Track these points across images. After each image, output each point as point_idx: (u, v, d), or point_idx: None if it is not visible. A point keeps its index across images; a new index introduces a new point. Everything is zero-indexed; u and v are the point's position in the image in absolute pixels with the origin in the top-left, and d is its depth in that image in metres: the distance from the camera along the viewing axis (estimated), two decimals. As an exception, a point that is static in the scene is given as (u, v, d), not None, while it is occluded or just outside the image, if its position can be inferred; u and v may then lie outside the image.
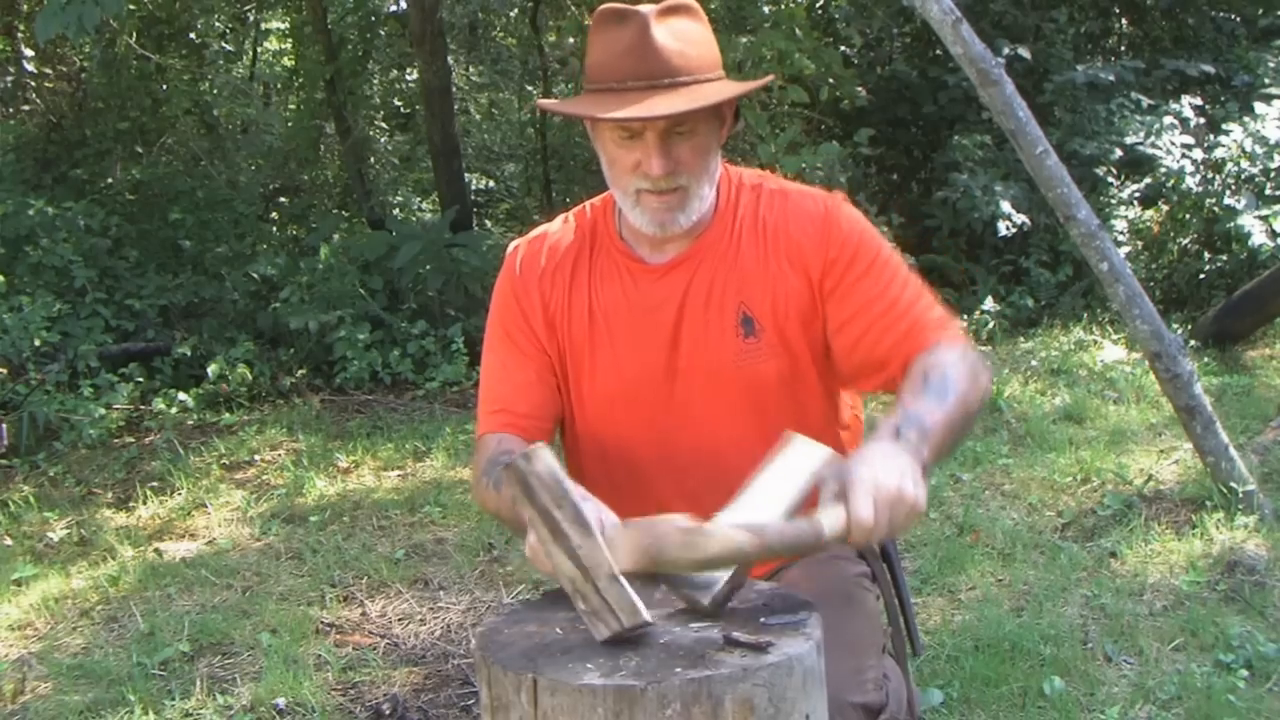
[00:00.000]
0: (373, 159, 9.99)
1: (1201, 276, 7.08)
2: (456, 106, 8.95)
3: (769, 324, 1.77)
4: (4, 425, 5.45)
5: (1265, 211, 6.73)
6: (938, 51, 7.81)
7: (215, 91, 9.55)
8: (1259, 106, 7.16)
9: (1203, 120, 7.53)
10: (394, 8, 9.97)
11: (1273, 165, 6.92)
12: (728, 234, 1.80)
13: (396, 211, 9.64)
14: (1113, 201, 7.42)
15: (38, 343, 5.75)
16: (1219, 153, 7.06)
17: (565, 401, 1.87)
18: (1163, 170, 7.23)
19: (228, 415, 6.00)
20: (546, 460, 1.35)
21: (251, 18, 10.44)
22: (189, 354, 6.39)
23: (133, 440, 5.70)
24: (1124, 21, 9.36)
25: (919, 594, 3.50)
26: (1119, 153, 7.43)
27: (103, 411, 5.69)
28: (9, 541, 4.42)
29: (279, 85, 10.99)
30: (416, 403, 6.23)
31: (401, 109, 10.97)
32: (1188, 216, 7.22)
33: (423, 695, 3.10)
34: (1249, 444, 4.49)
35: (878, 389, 1.84)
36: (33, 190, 6.94)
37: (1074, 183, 3.86)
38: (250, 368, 6.35)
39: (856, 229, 1.79)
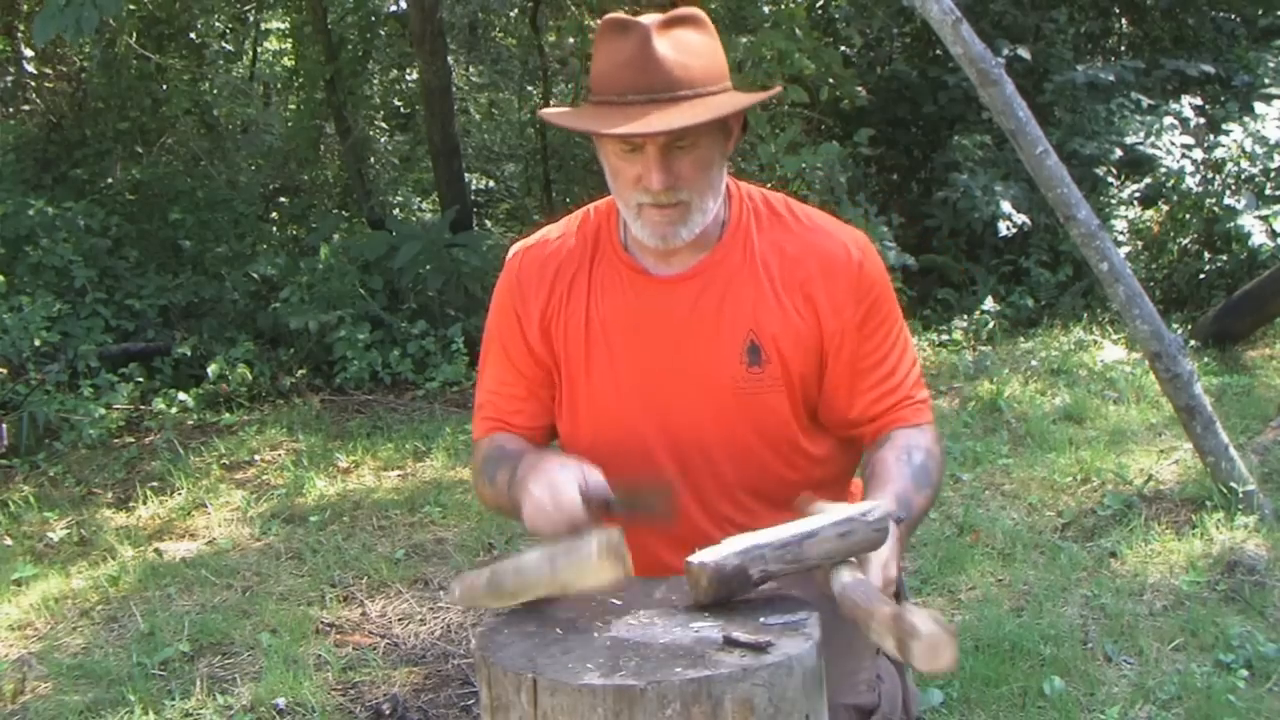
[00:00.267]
0: (373, 159, 9.99)
1: (1201, 276, 7.08)
2: (456, 106, 8.95)
3: (775, 356, 1.75)
4: (4, 425, 5.45)
5: (1265, 211, 6.73)
6: (938, 51, 7.80)
7: (215, 91, 9.55)
8: (1259, 106, 7.16)
9: (1203, 120, 7.54)
10: (394, 8, 9.97)
11: (1273, 165, 6.92)
12: (742, 254, 1.77)
13: (396, 211, 9.65)
14: (1113, 201, 7.42)
15: (38, 343, 5.75)
16: (1219, 153, 7.06)
17: (560, 408, 1.86)
18: (1163, 170, 7.24)
19: (228, 415, 6.00)
20: (467, 585, 1.56)
21: (251, 18, 10.44)
22: (189, 354, 6.39)
23: (133, 440, 5.70)
24: (1124, 21, 9.36)
25: (919, 594, 3.50)
26: (1119, 153, 7.44)
27: (103, 411, 5.69)
28: (9, 541, 4.42)
29: (279, 85, 11.00)
30: (416, 403, 6.23)
31: (401, 109, 10.97)
32: (1188, 216, 7.22)
33: (423, 695, 3.10)
34: (1249, 444, 4.49)
35: (838, 434, 1.86)
36: (33, 190, 6.94)
37: (1074, 183, 3.86)
38: (250, 368, 6.35)
39: (879, 286, 1.79)
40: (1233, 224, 6.76)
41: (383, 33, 9.81)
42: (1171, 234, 7.30)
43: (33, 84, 8.52)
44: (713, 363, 1.76)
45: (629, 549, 1.51)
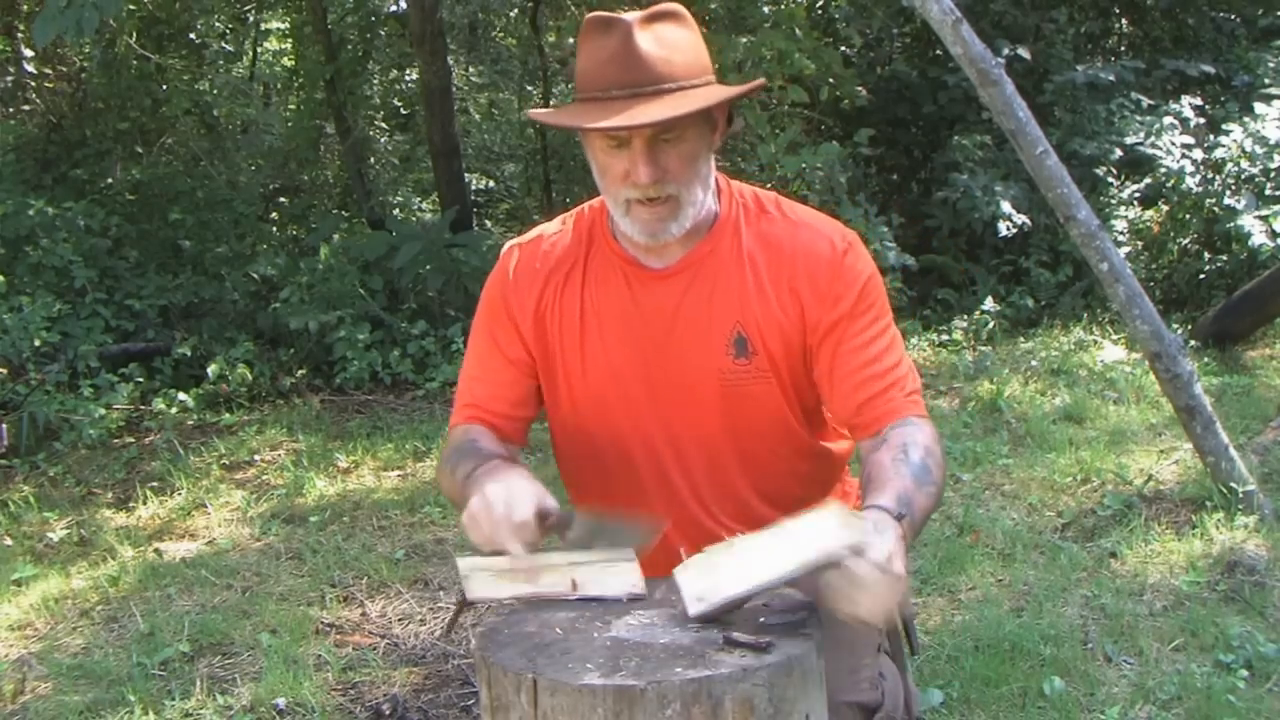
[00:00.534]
0: (373, 159, 9.99)
1: (1201, 276, 7.08)
2: (456, 106, 8.95)
3: (761, 348, 1.76)
4: (4, 425, 5.45)
5: (1265, 211, 6.73)
6: (938, 51, 7.81)
7: (215, 91, 9.55)
8: (1259, 106, 7.16)
9: (1203, 120, 7.54)
10: (394, 8, 9.97)
11: (1273, 165, 6.92)
12: (730, 249, 1.78)
13: (396, 211, 9.65)
14: (1113, 201, 7.42)
15: (38, 343, 5.75)
16: (1219, 153, 7.06)
17: (556, 399, 1.87)
18: (1163, 170, 7.24)
19: (228, 415, 6.00)
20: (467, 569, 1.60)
21: (251, 18, 10.44)
22: (189, 354, 6.39)
23: (133, 440, 5.70)
24: (1124, 21, 9.37)
25: (919, 594, 3.50)
26: (1119, 153, 7.44)
27: (103, 411, 5.69)
28: (9, 541, 4.42)
29: (279, 85, 11.00)
30: (416, 403, 6.23)
31: (401, 109, 10.96)
32: (1188, 216, 7.22)
33: (423, 695, 3.10)
34: (1249, 444, 4.49)
35: (838, 427, 1.87)
36: (33, 190, 6.94)
37: (1074, 183, 3.86)
38: (250, 368, 6.35)
39: (864, 277, 1.77)
40: (1233, 224, 6.76)
41: (383, 33, 9.81)
42: (1171, 234, 7.30)
43: (33, 84, 8.52)
44: (700, 354, 1.78)
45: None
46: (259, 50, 10.94)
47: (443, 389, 6.33)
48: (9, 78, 8.62)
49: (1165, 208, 7.35)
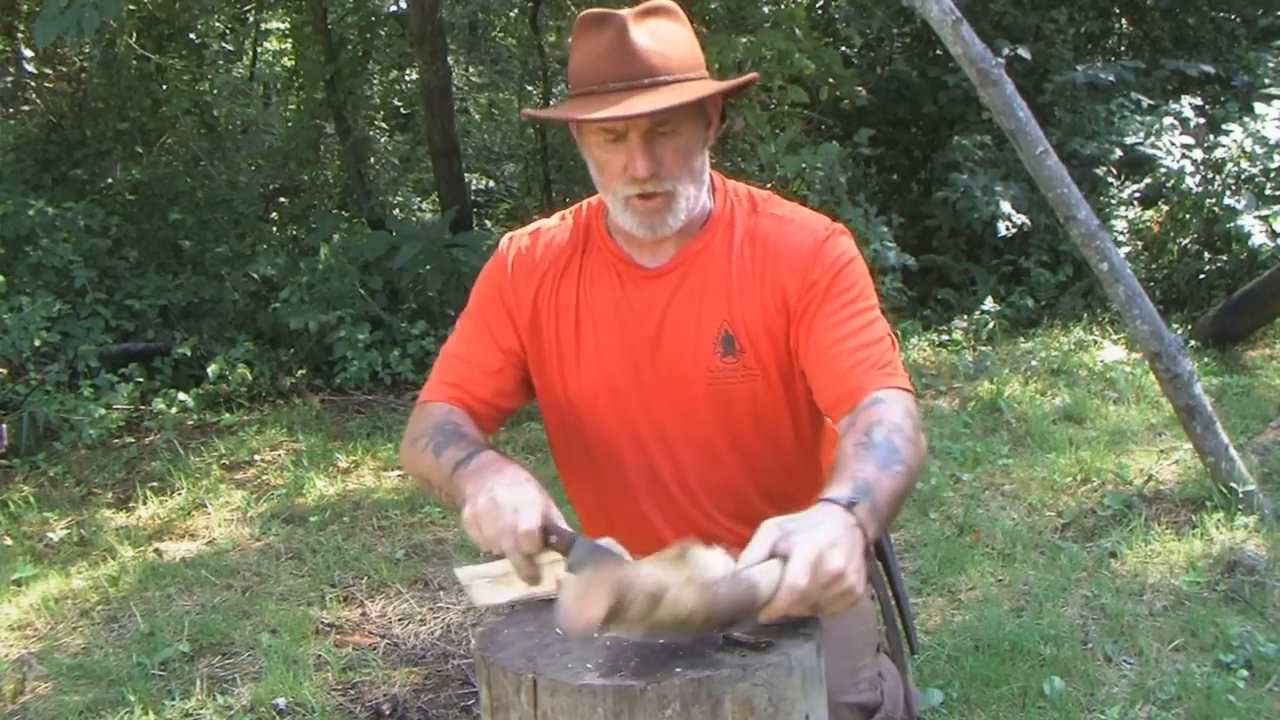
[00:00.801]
0: (373, 159, 9.99)
1: (1201, 276, 7.08)
2: (456, 106, 8.95)
3: (748, 345, 1.76)
4: (4, 425, 5.45)
5: (1265, 211, 6.73)
6: (938, 51, 7.81)
7: (215, 91, 9.55)
8: (1259, 106, 7.16)
9: (1203, 120, 7.54)
10: (394, 8, 9.97)
11: (1273, 165, 6.92)
12: (722, 246, 1.78)
13: (396, 211, 9.64)
14: (1113, 201, 7.42)
15: (38, 343, 5.75)
16: (1219, 153, 7.06)
17: (551, 394, 1.87)
18: (1163, 170, 7.24)
19: (228, 415, 6.00)
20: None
21: (251, 18, 10.44)
22: (189, 354, 6.39)
23: (133, 440, 5.70)
24: (1124, 21, 9.36)
25: (919, 594, 3.50)
26: (1119, 153, 7.44)
27: (103, 411, 5.69)
28: (9, 541, 4.42)
29: (279, 85, 11.00)
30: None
31: (401, 109, 10.96)
32: (1188, 216, 7.22)
33: (423, 695, 3.10)
34: (1249, 444, 4.49)
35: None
36: (33, 190, 6.94)
37: (1074, 183, 3.86)
38: (250, 368, 6.35)
39: (841, 260, 1.75)
40: (1233, 224, 6.76)
41: (383, 33, 9.81)
42: (1171, 234, 7.30)
43: (33, 84, 8.52)
44: (690, 353, 1.78)
45: (628, 530, 1.53)
46: (259, 50, 10.94)
47: (443, 389, 6.33)
48: (9, 78, 8.62)
49: (1165, 208, 7.35)
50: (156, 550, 4.26)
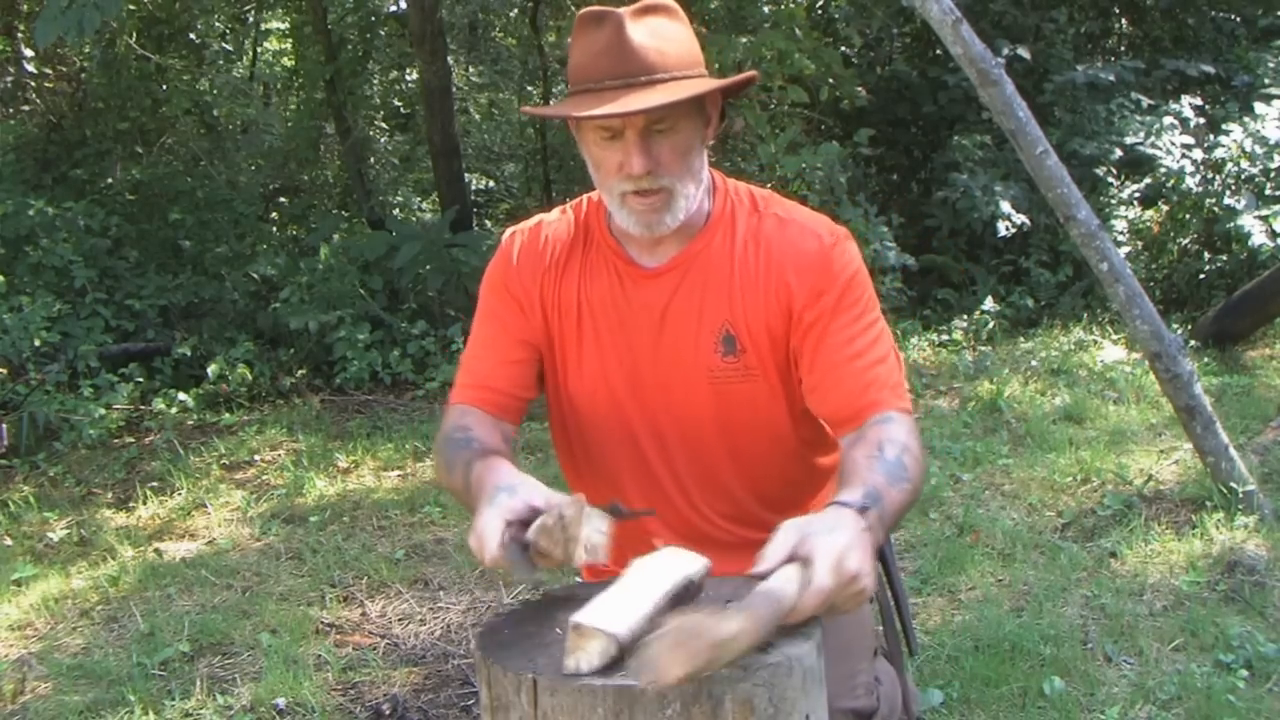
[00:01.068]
0: (373, 159, 9.99)
1: (1201, 276, 7.08)
2: (456, 106, 8.95)
3: (750, 346, 1.76)
4: (4, 425, 5.45)
5: (1265, 211, 6.74)
6: (938, 51, 7.81)
7: (215, 91, 9.56)
8: (1259, 106, 7.16)
9: (1203, 120, 7.54)
10: (394, 8, 9.98)
11: (1273, 165, 6.92)
12: (723, 246, 1.78)
13: (396, 211, 9.65)
14: (1113, 201, 7.42)
15: (38, 343, 5.75)
16: (1219, 153, 7.07)
17: (554, 388, 1.87)
18: (1163, 170, 7.24)
19: (228, 415, 6.00)
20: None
21: (251, 18, 10.44)
22: (189, 354, 6.39)
23: (133, 440, 5.70)
24: (1124, 21, 9.37)
25: (919, 594, 3.50)
26: (1119, 153, 7.44)
27: (103, 411, 5.69)
28: (9, 541, 4.42)
29: (279, 85, 11.00)
30: (416, 403, 6.23)
31: (401, 109, 10.97)
32: (1188, 216, 7.23)
33: (423, 695, 3.10)
34: (1249, 444, 4.49)
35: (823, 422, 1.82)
36: (33, 190, 6.95)
37: (1074, 183, 3.85)
38: (250, 368, 6.35)
39: (849, 270, 1.75)
40: (1233, 224, 6.76)
41: (383, 33, 9.82)
42: (1171, 234, 7.30)
43: (33, 84, 8.52)
44: (690, 353, 1.78)
45: (625, 528, 1.52)
46: (259, 50, 10.95)
47: (443, 389, 6.33)
48: (9, 78, 8.62)
49: (1165, 208, 7.35)
50: (156, 550, 4.26)
